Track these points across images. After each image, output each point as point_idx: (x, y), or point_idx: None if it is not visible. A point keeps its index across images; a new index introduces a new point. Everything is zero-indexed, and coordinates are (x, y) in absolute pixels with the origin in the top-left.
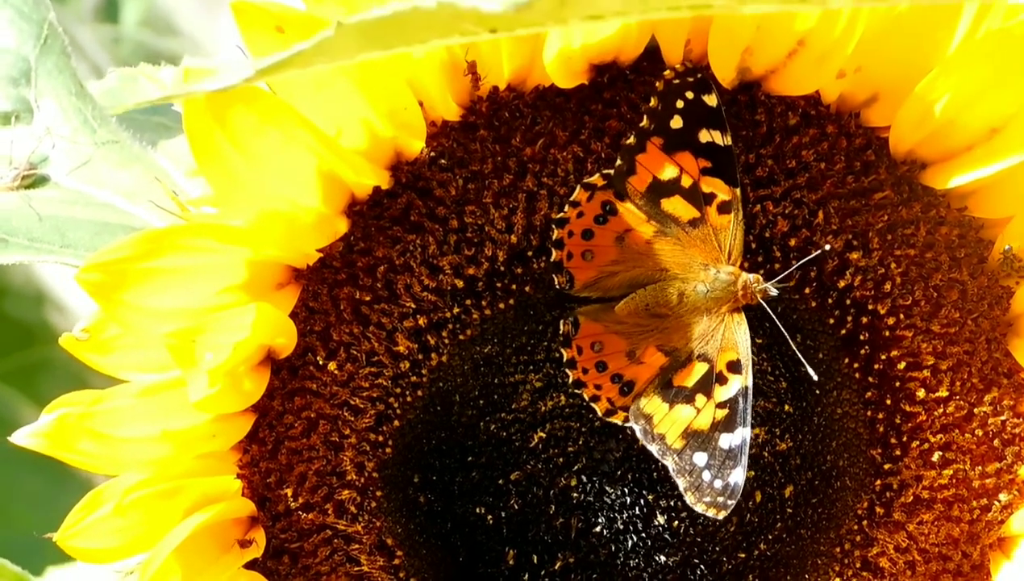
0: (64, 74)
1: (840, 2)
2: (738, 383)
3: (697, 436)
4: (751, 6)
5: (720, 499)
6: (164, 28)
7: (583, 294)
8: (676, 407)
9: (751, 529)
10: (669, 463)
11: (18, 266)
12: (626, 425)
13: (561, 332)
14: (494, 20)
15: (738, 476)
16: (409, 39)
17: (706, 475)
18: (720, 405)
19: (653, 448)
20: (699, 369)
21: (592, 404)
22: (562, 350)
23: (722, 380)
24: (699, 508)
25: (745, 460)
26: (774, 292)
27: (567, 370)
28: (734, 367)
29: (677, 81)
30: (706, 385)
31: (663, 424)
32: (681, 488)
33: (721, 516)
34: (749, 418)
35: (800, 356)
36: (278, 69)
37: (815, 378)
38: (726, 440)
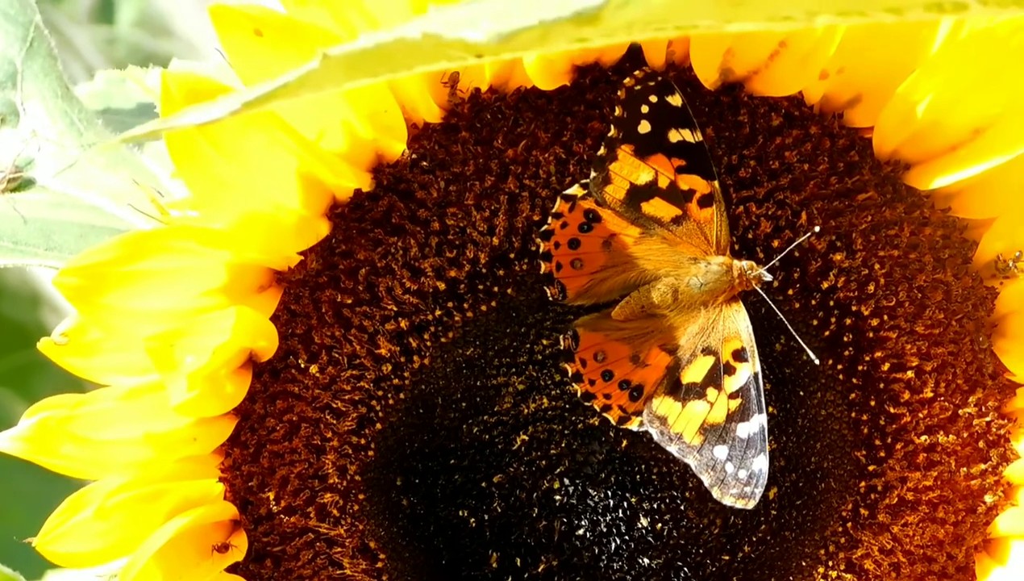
0: (50, 77)
1: (825, 20)
2: (747, 371)
3: (714, 430)
4: (736, 24)
5: (747, 489)
6: (159, 29)
7: (577, 302)
8: (689, 404)
9: (735, 531)
10: (691, 461)
11: (13, 267)
12: (641, 430)
13: (562, 347)
14: (480, 48)
15: (761, 463)
16: (395, 67)
17: (729, 467)
18: (732, 395)
19: (672, 448)
20: (705, 363)
21: (604, 414)
22: (565, 365)
23: (730, 370)
24: (727, 501)
25: (766, 446)
26: (768, 277)
27: (574, 384)
28: (740, 355)
29: (639, 87)
30: (715, 378)
31: (679, 423)
32: (707, 484)
33: (750, 506)
34: (764, 404)
35: (802, 343)
36: (264, 101)
37: (816, 361)
38: (744, 429)
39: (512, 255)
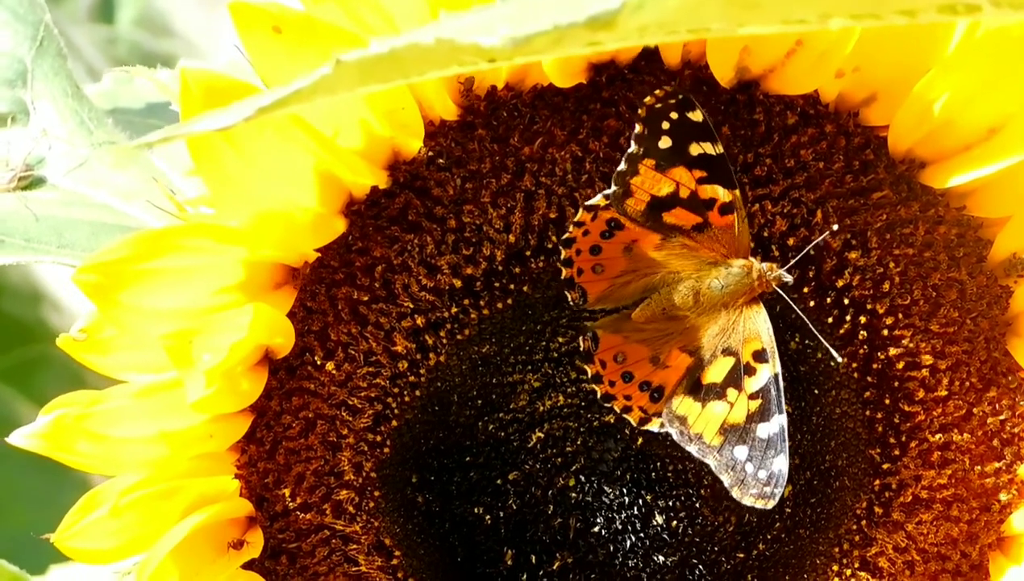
0: (60, 76)
1: (838, 22)
2: (767, 371)
3: (734, 430)
4: (749, 27)
5: (767, 489)
6: (160, 29)
7: (598, 306)
8: (709, 405)
9: (750, 529)
10: (711, 461)
11: (14, 264)
12: (662, 431)
13: (581, 349)
14: (493, 53)
15: (781, 463)
16: (408, 72)
17: (749, 468)
18: (752, 396)
19: (692, 449)
20: (725, 363)
21: (625, 415)
22: (585, 366)
23: (750, 371)
24: (747, 501)
25: (786, 447)
26: (788, 278)
27: (594, 385)
28: (760, 356)
29: (659, 105)
30: (735, 378)
31: (698, 423)
32: (727, 485)
33: (770, 506)
34: (784, 404)
35: (825, 342)
36: (278, 106)
37: (841, 360)
38: (764, 430)
39: (528, 253)
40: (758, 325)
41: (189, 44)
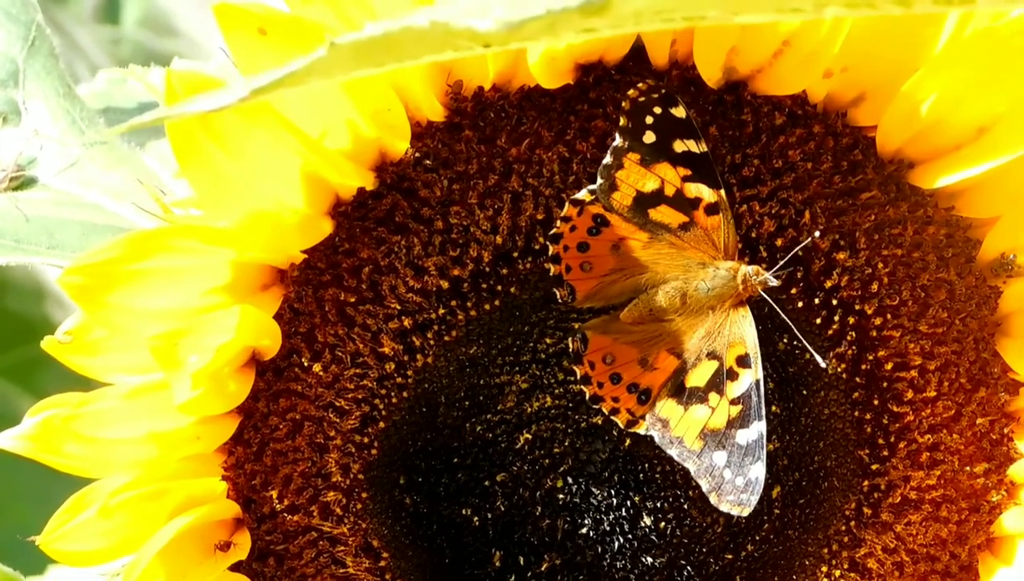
0: (52, 76)
1: (833, 10)
2: (749, 377)
3: (714, 435)
4: (744, 16)
5: (744, 496)
6: (164, 29)
7: (586, 305)
8: (691, 408)
9: (738, 530)
10: (690, 466)
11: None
12: (648, 433)
13: (571, 350)
14: (488, 37)
15: (758, 471)
16: (402, 56)
17: (727, 473)
18: (733, 402)
19: (673, 452)
20: (709, 367)
21: (612, 417)
22: (574, 367)
23: (733, 376)
24: (723, 508)
25: (763, 454)
26: (774, 282)
27: (582, 386)
28: (743, 361)
29: (643, 99)
30: (718, 383)
31: (680, 427)
32: (704, 490)
33: (745, 513)
34: (764, 411)
35: (809, 348)
36: (271, 88)
37: (824, 365)
38: (743, 436)
39: (515, 254)
40: (743, 330)
41: (193, 44)
